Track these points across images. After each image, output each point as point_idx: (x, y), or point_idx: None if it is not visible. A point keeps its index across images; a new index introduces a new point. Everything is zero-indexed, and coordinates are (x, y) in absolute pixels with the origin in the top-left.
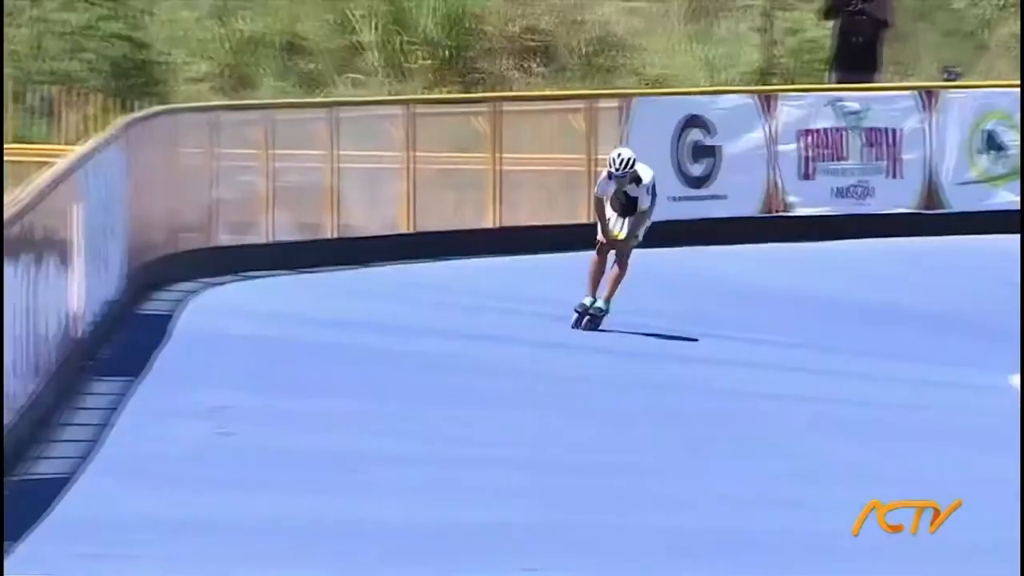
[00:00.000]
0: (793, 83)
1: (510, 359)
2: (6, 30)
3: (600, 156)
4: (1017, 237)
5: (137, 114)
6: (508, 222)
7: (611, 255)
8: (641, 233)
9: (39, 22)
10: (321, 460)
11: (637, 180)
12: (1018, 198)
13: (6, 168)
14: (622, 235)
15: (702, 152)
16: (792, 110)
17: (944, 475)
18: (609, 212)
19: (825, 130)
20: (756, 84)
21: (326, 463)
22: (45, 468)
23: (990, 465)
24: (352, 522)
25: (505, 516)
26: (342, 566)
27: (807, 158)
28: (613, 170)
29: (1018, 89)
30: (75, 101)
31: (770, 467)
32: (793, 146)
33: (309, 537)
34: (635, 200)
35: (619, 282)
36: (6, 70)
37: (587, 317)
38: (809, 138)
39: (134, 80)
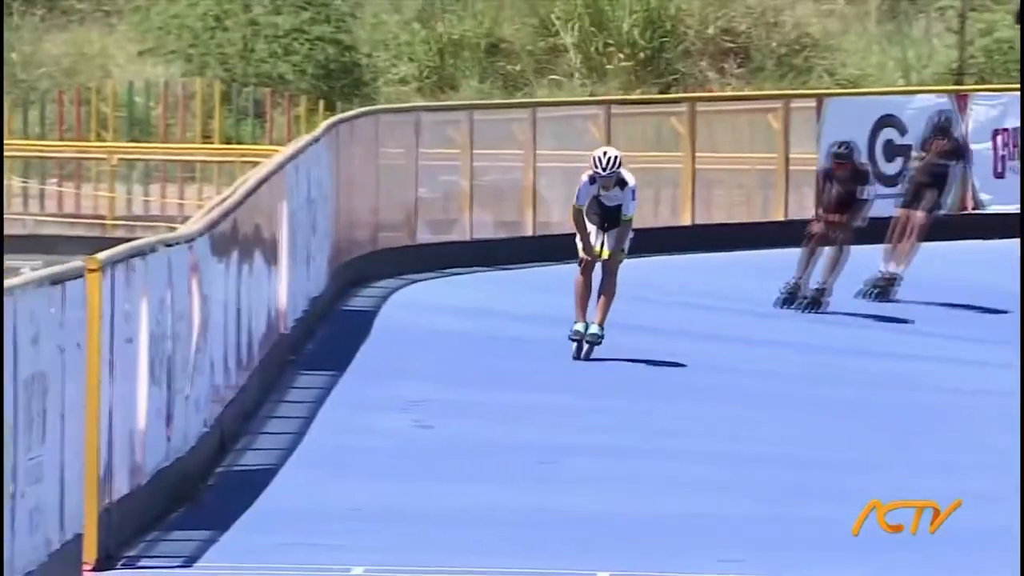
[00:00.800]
0: (986, 83)
1: (707, 353)
2: (216, 33)
3: (794, 155)
4: None
5: (342, 115)
6: (703, 220)
7: (596, 272)
8: (627, 246)
9: (249, 26)
10: (518, 452)
11: (622, 183)
12: None
13: (217, 167)
14: (606, 252)
15: (895, 151)
16: (985, 109)
17: None
18: (588, 226)
19: (1017, 129)
20: (950, 84)
21: (523, 455)
22: (251, 460)
23: None
24: (549, 512)
25: (703, 508)
26: (539, 556)
27: (1000, 156)
28: (600, 170)
29: None
30: (282, 102)
31: (973, 461)
32: (986, 144)
33: (506, 528)
34: (616, 209)
35: (610, 305)
36: (217, 72)
37: (586, 345)
38: (1002, 137)
39: (339, 82)
